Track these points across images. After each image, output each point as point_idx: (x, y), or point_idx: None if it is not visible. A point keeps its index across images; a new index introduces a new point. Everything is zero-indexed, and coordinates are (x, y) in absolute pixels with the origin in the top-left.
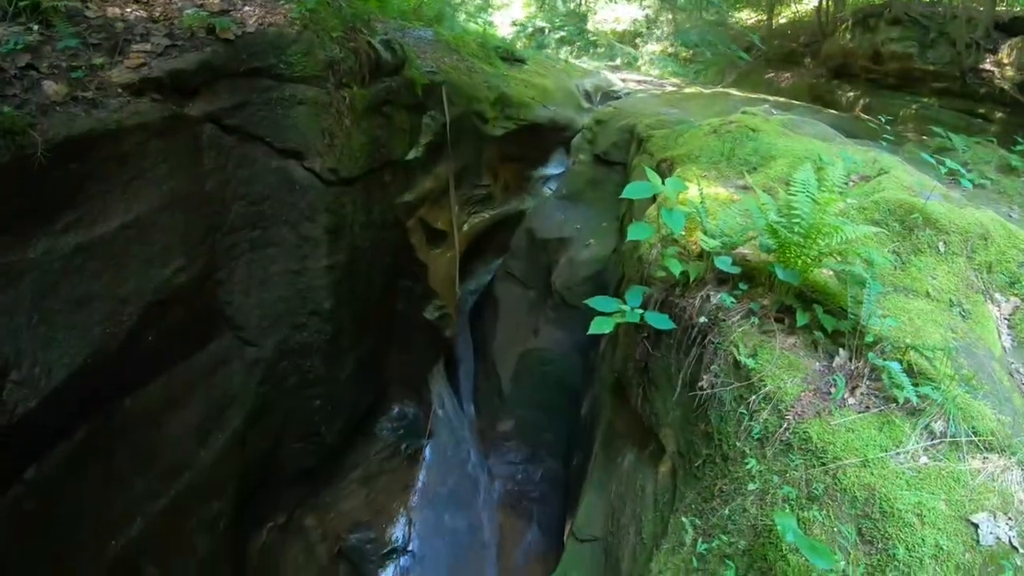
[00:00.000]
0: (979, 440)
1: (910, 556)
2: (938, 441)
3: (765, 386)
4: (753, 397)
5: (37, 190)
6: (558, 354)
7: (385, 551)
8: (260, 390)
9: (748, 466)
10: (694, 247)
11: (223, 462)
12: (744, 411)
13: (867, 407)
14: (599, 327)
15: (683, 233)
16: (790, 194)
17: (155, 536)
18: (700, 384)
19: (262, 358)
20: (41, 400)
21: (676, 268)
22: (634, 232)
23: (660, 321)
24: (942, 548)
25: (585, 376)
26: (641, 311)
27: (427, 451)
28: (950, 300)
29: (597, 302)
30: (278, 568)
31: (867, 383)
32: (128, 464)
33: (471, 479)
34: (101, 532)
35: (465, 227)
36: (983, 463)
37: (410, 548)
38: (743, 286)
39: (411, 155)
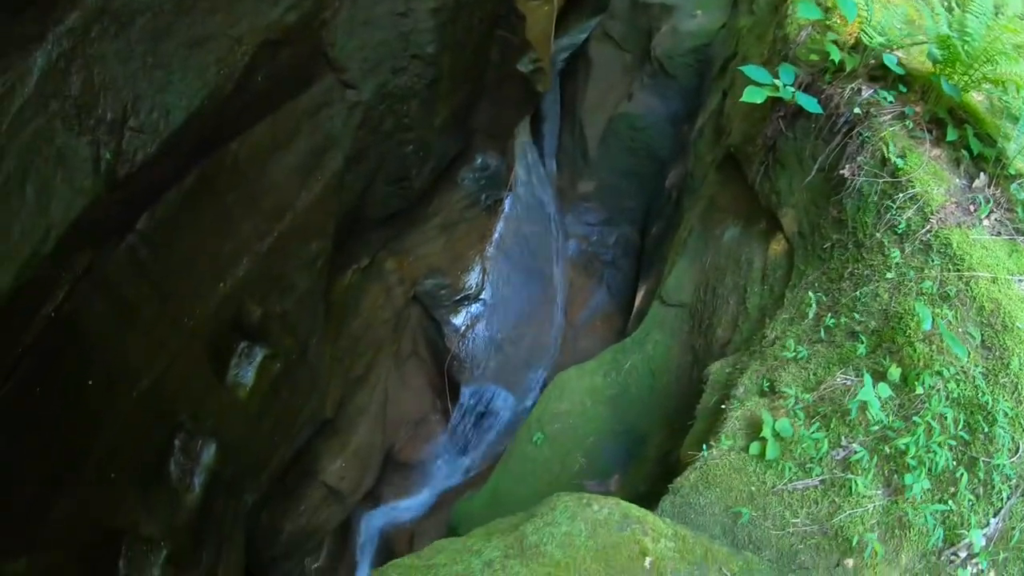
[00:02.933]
0: None
1: (1021, 368)
2: None
3: (913, 187)
4: (900, 195)
5: None
6: (650, 122)
7: (458, 297)
8: (358, 134)
9: (890, 256)
10: (848, 39)
11: (322, 203)
12: (890, 204)
13: (999, 232)
14: (751, 96)
15: (836, 21)
16: (967, 12)
17: (259, 276)
18: (840, 172)
19: (361, 101)
20: (159, 145)
21: (836, 54)
22: (804, 10)
23: (810, 104)
24: None
25: (675, 148)
26: (793, 89)
27: (506, 203)
28: None
29: (751, 71)
30: (358, 308)
31: (1002, 211)
32: (237, 207)
33: (547, 234)
34: (209, 275)
35: None
36: None
37: (482, 296)
38: (902, 88)
39: None
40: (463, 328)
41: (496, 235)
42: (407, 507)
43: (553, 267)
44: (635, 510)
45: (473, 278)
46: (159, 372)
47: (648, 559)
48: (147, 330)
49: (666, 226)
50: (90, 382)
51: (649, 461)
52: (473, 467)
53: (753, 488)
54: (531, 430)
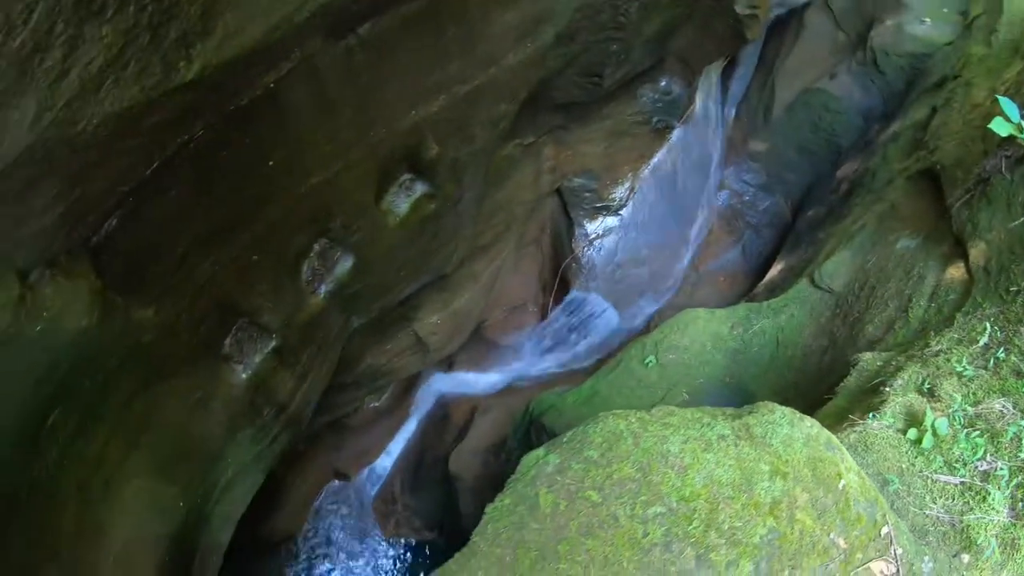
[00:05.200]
0: None
1: None
2: None
3: None
4: None
5: None
6: (844, 107)
7: (599, 204)
8: (576, 16)
9: None
10: None
11: (523, 70)
12: None
13: None
14: (998, 127)
15: None
16: None
17: (448, 117)
18: None
19: None
20: None
21: None
22: None
23: None
24: None
25: (858, 141)
26: None
27: (675, 133)
28: None
29: (1006, 105)
30: (506, 181)
31: None
32: (453, 43)
33: (702, 177)
34: (406, 100)
35: None
36: None
37: (621, 212)
38: None
39: None
40: (593, 235)
41: (655, 159)
42: (475, 382)
43: (697, 210)
44: (835, 439)
45: (620, 192)
46: (330, 174)
47: (842, 482)
48: (336, 132)
49: (826, 213)
50: (271, 163)
51: None
52: (551, 368)
53: (903, 465)
54: (645, 351)
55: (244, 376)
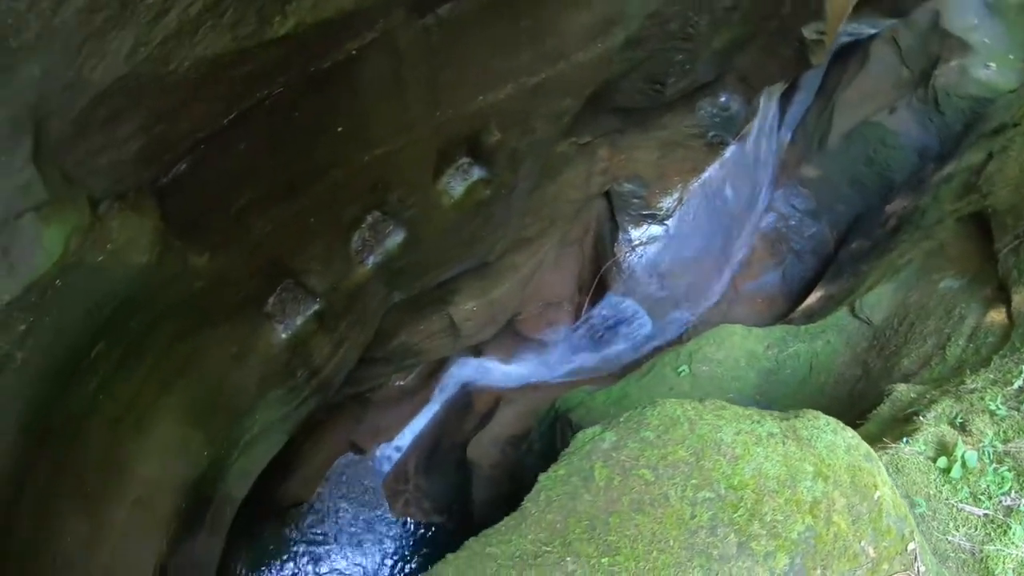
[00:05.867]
0: None
1: None
2: None
3: None
4: None
5: None
6: (900, 143)
7: (646, 212)
8: (647, 22)
9: None
10: None
11: (591, 68)
12: None
13: None
14: None
15: None
16: None
17: (513, 107)
18: None
19: None
20: None
21: None
22: None
23: None
24: None
25: (911, 178)
26: None
27: (729, 150)
28: None
29: None
30: (558, 177)
31: None
32: (525, 34)
33: (751, 197)
34: (475, 84)
35: None
36: None
37: (667, 222)
38: None
39: None
40: (636, 242)
41: (706, 174)
42: (501, 373)
43: (742, 229)
44: (873, 453)
45: (668, 202)
46: (393, 148)
47: (877, 493)
48: (404, 107)
49: (871, 246)
50: (339, 129)
51: None
52: (579, 368)
53: (931, 491)
54: (679, 360)
55: (284, 336)
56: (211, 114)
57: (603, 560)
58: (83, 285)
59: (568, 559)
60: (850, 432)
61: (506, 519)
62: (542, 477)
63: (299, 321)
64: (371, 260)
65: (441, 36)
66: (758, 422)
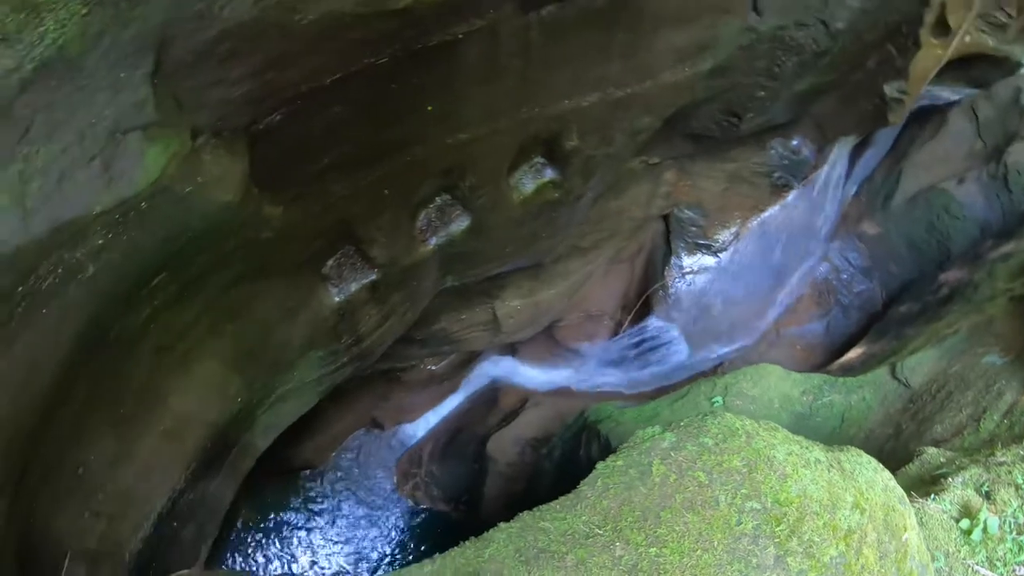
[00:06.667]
0: None
1: None
2: None
3: None
4: None
5: None
6: (964, 214)
7: (702, 241)
8: (736, 53)
9: None
10: None
11: (675, 90)
12: None
13: None
14: None
15: None
16: None
17: (595, 116)
18: None
19: (756, 29)
20: None
21: None
22: None
23: None
24: None
25: (969, 251)
26: None
27: (793, 194)
28: None
29: None
30: (622, 193)
31: None
32: (618, 46)
33: (807, 244)
34: (563, 88)
35: (967, 39)
36: None
37: (721, 255)
38: None
39: None
40: (688, 270)
41: (767, 214)
42: (532, 375)
43: (793, 275)
44: (906, 498)
45: (725, 236)
46: (476, 136)
47: (906, 535)
48: (494, 97)
49: (920, 311)
50: (430, 107)
51: None
52: (610, 383)
53: (950, 548)
54: (714, 390)
55: (336, 299)
56: (318, 71)
57: (651, 550)
58: (166, 212)
59: (617, 544)
60: (887, 474)
61: (561, 499)
62: (600, 465)
63: (353, 288)
64: (433, 241)
65: (541, 35)
66: (807, 448)
